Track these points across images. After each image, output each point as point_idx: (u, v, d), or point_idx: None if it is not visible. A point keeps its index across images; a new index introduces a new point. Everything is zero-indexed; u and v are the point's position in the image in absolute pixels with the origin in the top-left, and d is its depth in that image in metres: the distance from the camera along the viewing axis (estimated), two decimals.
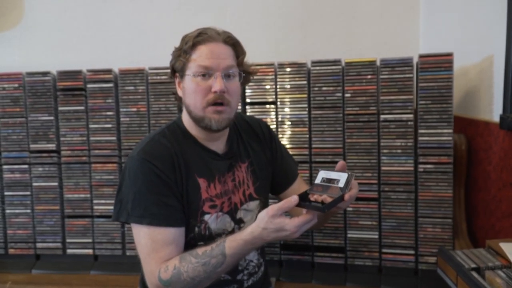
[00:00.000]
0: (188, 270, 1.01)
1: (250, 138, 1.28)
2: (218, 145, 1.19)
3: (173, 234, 1.07)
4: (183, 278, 1.01)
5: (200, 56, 1.08)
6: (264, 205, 1.26)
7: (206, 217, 1.14)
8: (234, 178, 1.20)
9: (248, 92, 1.65)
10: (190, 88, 1.10)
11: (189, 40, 1.08)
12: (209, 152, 1.17)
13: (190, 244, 1.12)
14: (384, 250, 1.57)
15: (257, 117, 1.44)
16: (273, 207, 0.95)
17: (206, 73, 1.08)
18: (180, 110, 1.69)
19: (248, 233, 0.99)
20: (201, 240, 1.13)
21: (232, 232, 1.17)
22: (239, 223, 1.20)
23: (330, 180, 1.03)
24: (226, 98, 1.09)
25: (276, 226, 0.95)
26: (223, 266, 1.01)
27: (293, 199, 0.95)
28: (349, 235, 1.59)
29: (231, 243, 1.01)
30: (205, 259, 1.01)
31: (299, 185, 1.32)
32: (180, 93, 1.15)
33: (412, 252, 1.54)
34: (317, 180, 1.05)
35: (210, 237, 1.14)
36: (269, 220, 0.96)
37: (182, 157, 1.12)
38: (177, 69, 1.13)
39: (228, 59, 1.10)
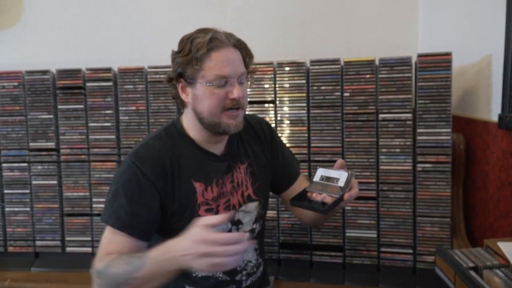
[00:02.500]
0: (115, 265, 0.96)
1: (251, 138, 1.27)
2: (219, 147, 1.18)
3: (129, 243, 1.04)
4: (108, 272, 0.97)
5: (216, 64, 1.05)
6: (263, 206, 1.26)
7: None
8: (233, 179, 1.19)
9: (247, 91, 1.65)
10: (204, 95, 1.07)
11: (201, 47, 1.04)
12: (207, 154, 1.16)
13: None
14: (382, 249, 1.57)
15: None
16: (206, 219, 0.89)
17: (223, 81, 1.06)
18: (179, 111, 1.69)
19: (171, 241, 0.92)
20: None
21: (229, 232, 1.17)
22: (237, 224, 1.19)
23: (329, 179, 1.02)
24: (241, 102, 1.10)
25: (196, 233, 0.87)
26: (140, 272, 0.92)
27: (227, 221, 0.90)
28: (347, 234, 1.59)
29: (157, 247, 0.94)
30: (132, 258, 0.96)
31: (301, 184, 1.31)
32: (185, 98, 1.12)
33: (411, 251, 1.55)
34: (316, 178, 1.04)
35: None
36: (196, 227, 0.89)
37: (177, 161, 1.11)
38: (187, 76, 1.08)
39: (241, 65, 1.10)
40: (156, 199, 1.08)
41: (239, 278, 1.20)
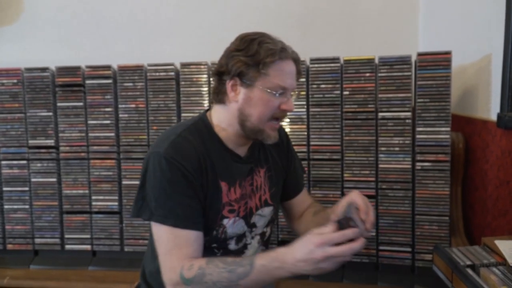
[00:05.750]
0: (213, 273, 0.98)
1: (270, 144, 1.23)
2: (243, 150, 1.17)
3: (195, 235, 1.05)
4: (205, 280, 0.98)
5: (281, 75, 1.06)
6: (276, 211, 1.26)
7: (225, 221, 1.12)
8: (252, 182, 1.18)
9: None
10: (260, 101, 1.06)
11: (273, 54, 1.03)
12: (232, 155, 1.14)
13: (204, 246, 1.09)
14: (381, 248, 1.58)
15: None
16: (321, 235, 0.90)
17: (281, 92, 1.07)
18: (179, 109, 1.69)
19: (281, 249, 0.95)
20: (215, 243, 1.12)
21: (243, 235, 1.16)
22: (252, 227, 1.18)
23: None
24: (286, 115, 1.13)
25: (306, 244, 0.90)
26: (247, 279, 0.96)
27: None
28: None
29: (261, 255, 0.97)
30: (232, 266, 0.98)
31: (304, 197, 1.32)
32: (233, 97, 1.09)
33: (409, 249, 1.55)
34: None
35: (224, 240, 1.13)
36: (307, 241, 0.91)
37: (207, 157, 1.09)
38: (246, 77, 1.06)
39: (295, 79, 1.11)
40: (199, 189, 1.07)
41: None
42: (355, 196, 1.06)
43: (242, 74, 1.06)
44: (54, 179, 1.77)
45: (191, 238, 1.04)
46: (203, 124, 1.14)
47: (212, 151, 1.10)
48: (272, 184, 1.23)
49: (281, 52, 1.05)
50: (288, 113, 1.57)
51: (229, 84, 1.09)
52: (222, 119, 1.13)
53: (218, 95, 1.13)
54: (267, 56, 1.03)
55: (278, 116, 1.10)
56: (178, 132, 1.09)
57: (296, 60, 1.11)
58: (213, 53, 1.95)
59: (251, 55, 1.05)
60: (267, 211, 1.22)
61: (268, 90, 1.05)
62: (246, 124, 1.09)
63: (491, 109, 1.46)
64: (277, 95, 1.06)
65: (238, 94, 1.08)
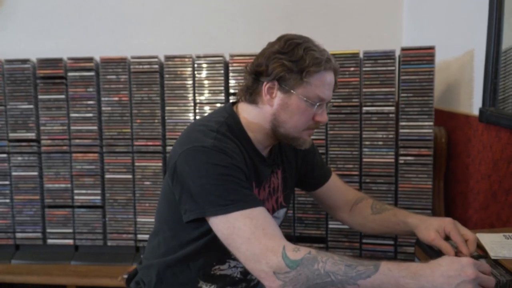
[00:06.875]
0: (327, 262, 0.87)
1: (286, 144, 1.20)
2: (266, 151, 1.14)
3: (266, 211, 0.96)
4: (316, 267, 0.86)
5: (322, 86, 1.03)
6: (287, 212, 1.25)
7: None
8: (270, 184, 1.15)
9: (232, 82, 1.64)
10: (297, 109, 1.03)
11: (318, 64, 1.00)
12: (258, 156, 1.11)
13: (219, 248, 1.00)
14: (364, 241, 1.59)
15: None
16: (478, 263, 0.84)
17: (318, 103, 1.04)
18: (163, 102, 1.68)
19: (414, 263, 0.88)
20: None
21: None
22: None
23: None
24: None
25: (458, 261, 0.82)
26: (368, 281, 0.84)
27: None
28: (330, 226, 1.61)
29: (387, 262, 0.87)
30: (351, 262, 0.87)
31: (338, 182, 1.29)
32: (268, 100, 1.05)
33: (392, 242, 1.57)
34: None
35: None
36: (457, 259, 0.84)
37: (243, 155, 1.05)
38: (286, 82, 1.02)
39: (332, 91, 1.08)
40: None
41: (250, 277, 1.17)
42: (448, 224, 1.05)
43: (282, 79, 1.02)
44: (36, 173, 1.74)
45: (266, 214, 0.96)
46: (233, 121, 1.08)
47: (243, 150, 1.06)
48: (285, 186, 1.21)
49: (326, 62, 1.02)
50: None
51: (265, 86, 1.04)
52: (253, 119, 1.09)
53: (251, 95, 1.08)
54: (313, 65, 1.00)
55: (312, 127, 1.08)
56: (215, 128, 1.03)
57: (337, 71, 1.08)
58: (197, 46, 1.95)
59: (295, 60, 1.01)
60: (282, 213, 1.20)
61: (307, 100, 1.02)
62: (280, 130, 1.06)
63: (474, 104, 1.48)
64: (315, 106, 1.03)
65: (274, 98, 1.05)
